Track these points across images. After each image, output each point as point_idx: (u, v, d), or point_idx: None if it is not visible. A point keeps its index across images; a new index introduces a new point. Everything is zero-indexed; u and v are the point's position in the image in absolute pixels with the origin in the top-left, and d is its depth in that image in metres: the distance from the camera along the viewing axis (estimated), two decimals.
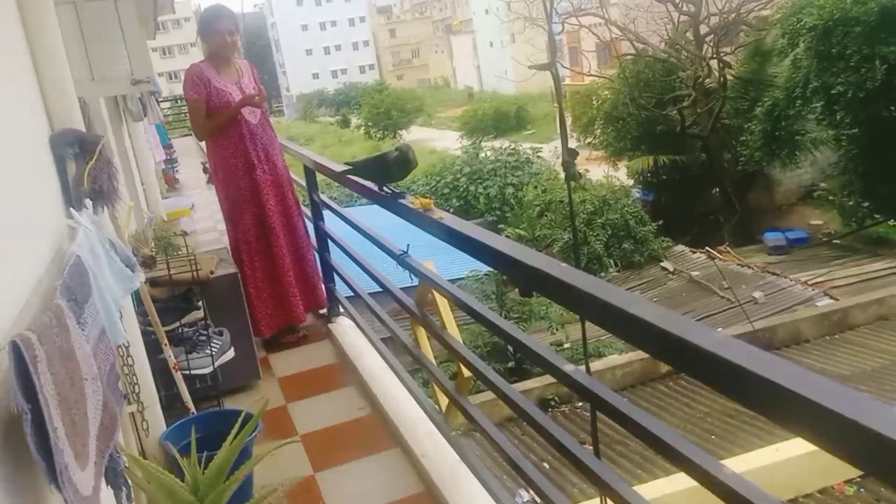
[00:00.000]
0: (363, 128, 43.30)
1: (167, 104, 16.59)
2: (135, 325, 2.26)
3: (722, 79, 17.24)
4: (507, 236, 14.24)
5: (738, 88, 17.29)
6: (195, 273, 2.87)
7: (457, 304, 2.10)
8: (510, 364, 11.06)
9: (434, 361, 2.44)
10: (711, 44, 17.88)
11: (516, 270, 1.57)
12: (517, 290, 14.55)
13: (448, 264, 13.43)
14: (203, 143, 4.14)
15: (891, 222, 14.81)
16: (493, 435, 1.98)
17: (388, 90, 45.99)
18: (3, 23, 1.90)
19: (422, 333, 2.53)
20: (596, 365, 9.15)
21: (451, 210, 21.15)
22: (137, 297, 2.62)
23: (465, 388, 2.16)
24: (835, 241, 15.61)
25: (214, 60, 3.67)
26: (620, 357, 9.58)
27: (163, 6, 9.27)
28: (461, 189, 21.40)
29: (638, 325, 1.08)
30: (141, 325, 2.69)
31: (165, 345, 2.55)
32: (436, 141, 41.25)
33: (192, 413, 2.59)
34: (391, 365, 2.96)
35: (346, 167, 2.81)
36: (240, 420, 2.36)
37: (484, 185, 21.07)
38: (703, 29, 18.05)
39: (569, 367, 1.47)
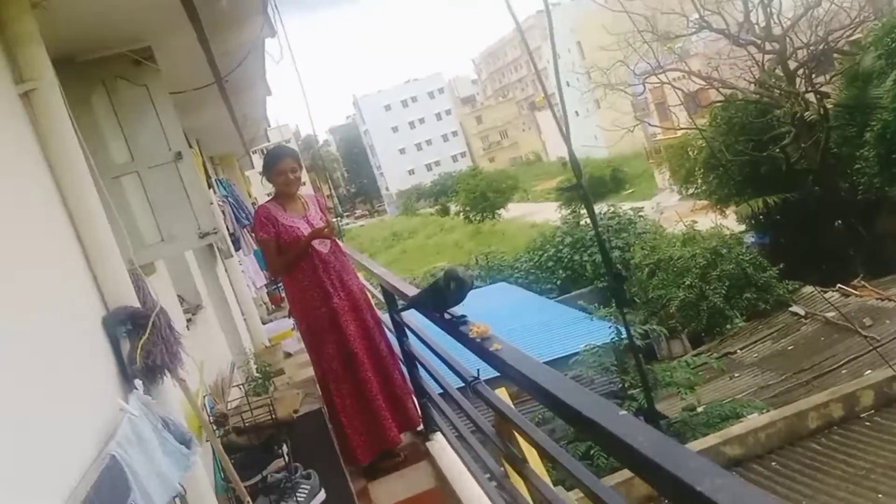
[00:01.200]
0: (462, 213, 44.02)
1: None
2: (208, 490, 2.19)
3: (822, 109, 16.43)
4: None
5: (843, 116, 16.41)
6: (274, 417, 2.82)
7: (525, 438, 1.91)
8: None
9: (528, 495, 2.23)
10: (804, 77, 17.17)
11: (554, 402, 1.42)
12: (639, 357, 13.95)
13: (563, 338, 13.12)
14: None
15: None
16: None
17: (482, 174, 46.81)
18: (46, 206, 1.97)
19: (507, 464, 2.33)
20: (735, 429, 8.47)
21: (559, 282, 20.85)
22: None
23: None
24: None
25: (280, 199, 3.76)
26: (762, 417, 8.83)
27: (253, 140, 9.85)
28: (565, 259, 21.08)
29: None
30: (224, 482, 2.64)
31: (248, 502, 2.47)
32: (535, 215, 41.29)
33: None
34: (488, 493, 2.75)
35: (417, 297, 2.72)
36: None
37: (588, 252, 20.67)
38: (793, 64, 17.40)
39: None
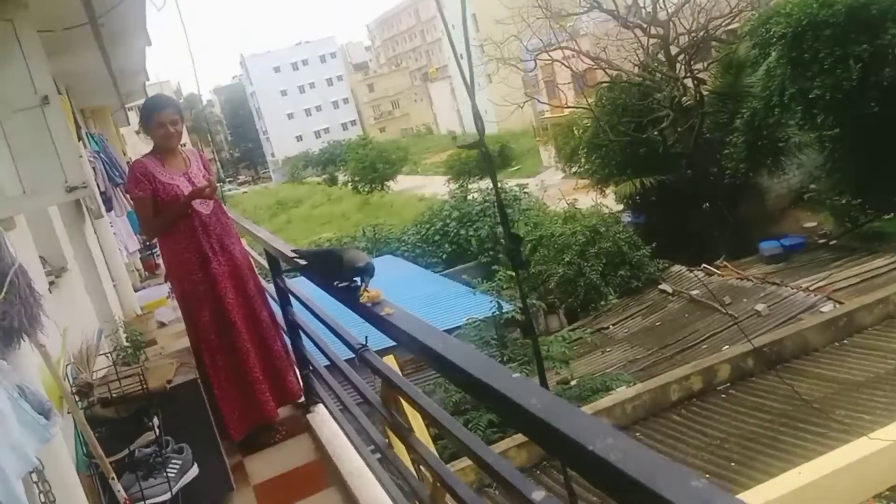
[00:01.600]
0: (350, 183, 43.44)
1: None
2: (69, 466, 2.04)
3: (698, 95, 17.31)
4: (499, 277, 14.03)
5: (716, 103, 17.36)
6: (145, 388, 2.65)
7: (413, 406, 1.89)
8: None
9: (410, 465, 2.21)
10: (684, 63, 17.99)
11: (446, 367, 1.41)
12: (519, 330, 14.35)
13: (447, 311, 13.28)
14: None
15: (885, 216, 14.64)
16: None
17: (372, 144, 46.28)
18: None
19: (392, 433, 2.30)
20: (604, 402, 8.88)
21: (444, 256, 21.05)
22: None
23: (441, 498, 1.93)
24: (831, 243, 15.43)
25: (159, 153, 3.49)
26: (629, 390, 9.30)
27: (129, 94, 9.23)
28: (452, 234, 21.28)
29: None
30: (87, 457, 2.47)
31: (113, 479, 2.32)
32: (424, 188, 41.39)
33: None
34: (369, 464, 2.71)
35: (294, 254, 2.62)
36: None
37: (474, 227, 20.96)
38: (674, 49, 18.18)
39: (537, 495, 1.25)
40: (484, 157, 1.84)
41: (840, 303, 10.38)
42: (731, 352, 9.33)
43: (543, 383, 1.82)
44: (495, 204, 21.23)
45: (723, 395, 8.53)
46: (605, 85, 19.60)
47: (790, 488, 5.42)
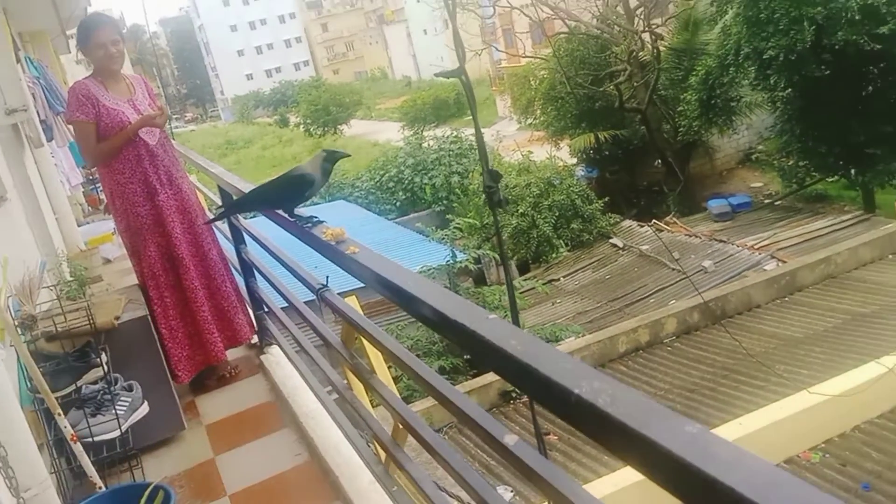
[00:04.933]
0: (302, 126, 42.52)
1: None
2: (12, 400, 1.94)
3: (655, 51, 17.32)
4: (455, 226, 14.01)
5: (672, 59, 17.40)
6: (92, 324, 2.54)
7: (377, 346, 1.84)
8: (468, 356, 10.89)
9: (370, 407, 2.18)
10: (642, 17, 17.92)
11: (418, 307, 1.36)
12: (471, 280, 14.42)
13: (401, 259, 13.21)
14: None
15: (829, 179, 15.05)
16: (431, 493, 1.74)
17: (325, 86, 45.22)
18: None
19: (352, 375, 2.26)
20: None
21: (398, 203, 20.89)
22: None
23: (403, 440, 1.91)
24: (776, 203, 15.84)
25: (101, 76, 3.27)
26: (578, 340, 9.48)
27: (70, 19, 8.73)
28: (406, 181, 21.07)
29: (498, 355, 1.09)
30: (32, 392, 2.37)
31: (59, 415, 2.22)
32: (378, 133, 40.78)
33: (100, 489, 2.28)
34: (326, 405, 2.68)
35: (247, 195, 2.51)
36: (146, 494, 2.08)
37: (429, 175, 20.78)
38: (633, 2, 18.08)
39: (510, 439, 1.22)
40: (465, 86, 1.76)
41: (783, 261, 10.70)
42: (678, 306, 9.55)
43: (516, 321, 1.78)
44: (450, 153, 21.07)
45: (668, 348, 8.76)
46: (563, 36, 19.43)
47: (730, 438, 5.60)
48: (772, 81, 13.15)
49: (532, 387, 1.04)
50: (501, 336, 1.12)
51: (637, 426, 0.83)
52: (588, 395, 0.92)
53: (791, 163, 15.64)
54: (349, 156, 2.30)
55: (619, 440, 0.86)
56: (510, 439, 1.24)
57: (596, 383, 0.94)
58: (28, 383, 2.32)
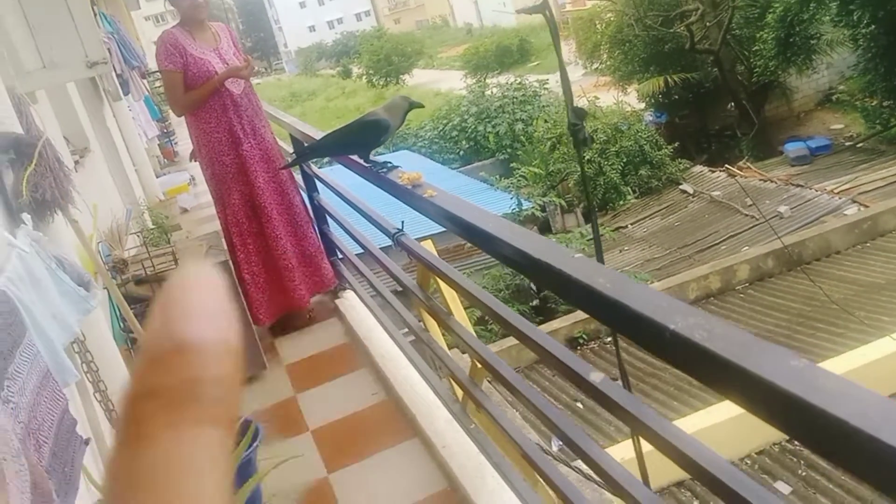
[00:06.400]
0: (365, 76, 42.46)
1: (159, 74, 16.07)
2: (108, 338, 2.05)
3: None
4: (521, 175, 13.91)
5: None
6: (178, 267, 2.64)
7: (455, 288, 1.85)
8: (534, 303, 10.90)
9: (445, 348, 2.21)
10: None
11: (500, 249, 1.36)
12: (536, 229, 14.31)
13: None
14: None
15: None
16: (510, 429, 1.76)
17: (387, 35, 44.89)
18: None
19: (428, 317, 2.29)
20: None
21: (461, 152, 20.78)
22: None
23: (480, 379, 1.94)
24: (858, 146, 15.07)
25: (187, 25, 3.32)
26: None
27: None
28: (469, 130, 20.89)
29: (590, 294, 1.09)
30: (125, 332, 2.49)
31: None
32: (440, 83, 40.36)
33: None
34: (401, 346, 2.73)
35: (321, 140, 2.53)
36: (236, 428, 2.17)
37: (493, 123, 20.53)
38: None
39: (595, 377, 1.22)
40: (549, 21, 1.71)
41: (865, 206, 10.22)
42: (751, 252, 9.28)
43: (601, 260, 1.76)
44: (514, 100, 20.73)
45: (741, 295, 8.54)
46: None
47: (701, 426, 5.46)
48: (855, 17, 12.40)
49: (622, 324, 1.04)
50: (589, 274, 1.11)
51: (738, 360, 0.82)
52: (684, 331, 0.90)
53: (875, 103, 14.82)
54: (422, 106, 2.29)
55: (719, 374, 0.85)
56: (596, 376, 1.24)
57: (691, 318, 0.92)
58: (121, 323, 2.44)
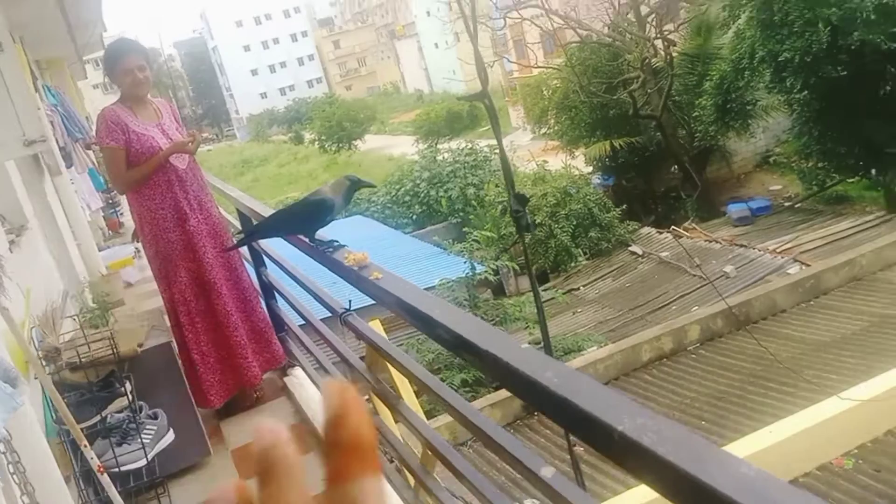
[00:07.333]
0: (317, 142, 42.76)
1: None
2: (38, 433, 1.92)
3: (668, 57, 17.26)
4: (473, 239, 14.01)
5: (686, 65, 17.33)
6: (115, 352, 2.53)
7: (404, 374, 1.81)
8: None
9: (397, 432, 2.14)
10: (654, 24, 17.88)
11: (445, 335, 1.33)
12: (490, 291, 14.37)
13: (419, 272, 13.23)
14: None
15: (850, 180, 14.86)
16: None
17: (338, 102, 45.50)
18: None
19: (378, 401, 2.22)
20: (576, 362, 8.93)
21: (414, 217, 20.90)
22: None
23: (432, 466, 1.87)
24: (797, 206, 15.67)
25: (128, 101, 3.28)
26: (601, 350, 9.38)
27: (86, 46, 8.84)
28: (422, 195, 21.09)
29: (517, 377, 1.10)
30: (57, 424, 2.36)
31: (85, 446, 2.21)
32: (392, 148, 40.89)
33: None
34: None
35: (267, 219, 2.49)
36: None
37: (445, 188, 20.77)
38: (644, 10, 18.05)
39: (546, 472, 1.18)
40: (488, 109, 1.73)
41: (807, 265, 10.54)
42: (701, 312, 9.43)
43: (549, 352, 1.74)
44: (465, 165, 21.06)
45: (693, 356, 8.63)
46: (574, 45, 19.41)
47: (761, 447, 5.49)
48: (788, 84, 13.04)
49: (571, 421, 1.01)
50: (536, 367, 1.08)
51: (688, 467, 0.79)
52: (632, 433, 0.88)
53: (810, 164, 15.48)
54: (374, 186, 2.29)
55: (668, 481, 0.82)
56: (547, 471, 1.21)
57: (640, 419, 0.90)
58: (53, 415, 2.31)
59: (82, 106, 11.52)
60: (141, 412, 2.61)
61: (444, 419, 6.31)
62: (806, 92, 13.00)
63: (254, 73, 74.63)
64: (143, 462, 2.44)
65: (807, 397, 6.48)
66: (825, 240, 12.08)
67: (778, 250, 11.86)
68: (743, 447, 5.72)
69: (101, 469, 2.26)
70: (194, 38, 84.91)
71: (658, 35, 17.77)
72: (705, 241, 13.74)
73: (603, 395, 0.97)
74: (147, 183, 3.21)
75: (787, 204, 16.04)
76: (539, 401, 1.07)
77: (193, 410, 2.98)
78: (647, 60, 17.40)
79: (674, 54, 17.42)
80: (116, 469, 2.38)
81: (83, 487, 2.33)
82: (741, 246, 12.61)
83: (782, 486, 0.73)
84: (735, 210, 15.61)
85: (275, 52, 75.28)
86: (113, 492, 2.27)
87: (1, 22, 2.65)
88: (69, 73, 10.22)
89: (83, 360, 2.48)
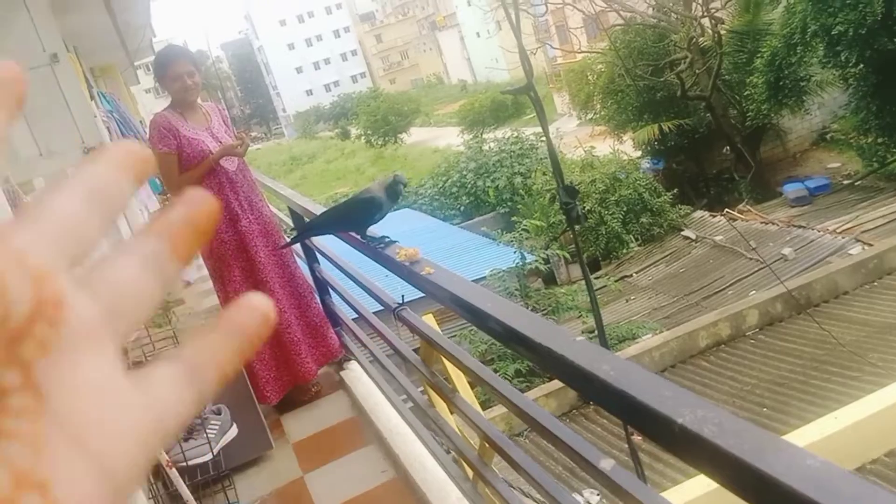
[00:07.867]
0: (363, 137, 43.09)
1: None
2: None
3: (716, 35, 16.80)
4: (523, 229, 13.95)
5: (734, 43, 16.85)
6: None
7: (458, 367, 1.82)
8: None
9: (453, 425, 2.16)
10: (700, 1, 17.45)
11: (498, 329, 1.34)
12: (541, 281, 14.30)
13: (469, 264, 13.24)
14: None
15: None
16: None
17: (383, 96, 45.74)
18: None
19: (433, 393, 2.25)
20: (631, 350, 8.84)
21: (462, 208, 20.91)
22: None
23: (490, 458, 1.89)
24: (857, 183, 15.14)
25: (179, 107, 3.36)
26: (656, 338, 9.26)
27: (137, 51, 9.09)
28: (469, 185, 21.06)
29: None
30: None
31: None
32: (437, 140, 40.95)
33: None
34: (408, 421, 2.68)
35: (318, 218, 2.54)
36: None
37: (492, 178, 20.70)
38: None
39: (606, 464, 1.18)
40: (533, 102, 1.72)
41: (869, 244, 10.21)
42: (759, 297, 9.22)
43: (603, 341, 1.74)
44: (511, 154, 20.95)
45: (752, 341, 8.46)
46: (618, 28, 19.08)
47: (826, 433, 5.34)
48: (843, 58, 12.59)
49: (629, 414, 1.01)
50: (592, 360, 1.08)
51: (751, 458, 0.78)
52: (692, 425, 0.87)
53: (869, 140, 14.93)
54: (406, 184, 2.31)
55: (731, 473, 0.81)
56: (606, 464, 1.21)
57: (700, 412, 0.89)
58: None
59: (136, 110, 11.84)
60: (205, 408, 2.69)
61: (500, 409, 6.33)
62: (862, 65, 12.55)
63: (299, 70, 75.56)
64: (209, 456, 2.52)
65: (872, 381, 6.29)
66: (887, 218, 11.66)
67: (838, 230, 11.50)
68: (807, 434, 5.58)
69: (170, 464, 2.34)
70: (240, 39, 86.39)
71: (705, 13, 17.32)
72: (761, 223, 13.41)
73: (661, 387, 0.97)
74: (199, 186, 3.28)
75: (846, 182, 15.52)
76: (596, 394, 1.07)
77: (254, 405, 3.06)
78: (694, 40, 17.00)
79: (722, 32, 16.96)
80: (184, 463, 2.46)
81: (153, 482, 2.42)
82: (799, 227, 12.28)
83: (847, 476, 0.73)
84: (791, 190, 15.17)
85: (318, 49, 76.05)
86: (181, 485, 2.35)
87: (55, 33, 2.74)
88: (122, 79, 10.52)
89: (149, 358, 2.57)
